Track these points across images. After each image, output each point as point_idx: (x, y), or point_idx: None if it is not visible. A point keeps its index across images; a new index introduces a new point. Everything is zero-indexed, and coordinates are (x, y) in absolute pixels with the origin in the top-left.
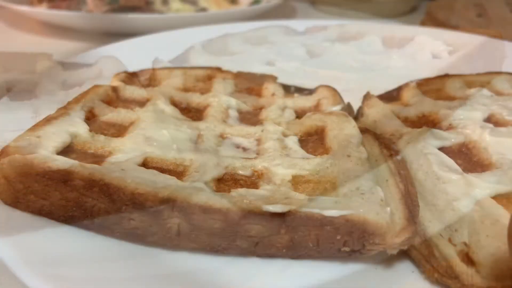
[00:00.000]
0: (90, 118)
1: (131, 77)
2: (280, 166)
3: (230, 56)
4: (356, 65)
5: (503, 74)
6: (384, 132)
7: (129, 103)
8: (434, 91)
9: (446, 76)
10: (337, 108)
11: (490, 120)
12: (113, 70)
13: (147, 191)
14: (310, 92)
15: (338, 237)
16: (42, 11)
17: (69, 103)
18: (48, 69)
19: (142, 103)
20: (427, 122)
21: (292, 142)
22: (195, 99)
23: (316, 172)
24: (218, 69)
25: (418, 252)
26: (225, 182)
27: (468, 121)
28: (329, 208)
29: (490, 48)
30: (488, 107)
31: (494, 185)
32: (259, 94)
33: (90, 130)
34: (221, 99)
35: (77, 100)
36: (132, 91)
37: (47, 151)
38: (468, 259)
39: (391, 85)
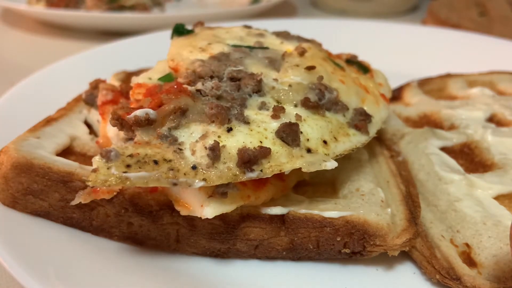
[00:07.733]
0: None
1: (129, 76)
2: None
3: None
4: None
5: (505, 73)
6: (385, 132)
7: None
8: (436, 91)
9: (447, 75)
10: None
11: (492, 120)
12: None
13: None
14: None
15: (338, 239)
16: (40, 10)
17: (68, 104)
18: None
19: None
20: (428, 122)
21: None
22: None
23: (316, 174)
24: None
25: (420, 253)
26: None
27: (470, 121)
28: (329, 209)
29: (491, 47)
30: (490, 106)
31: (496, 185)
32: None
33: (90, 133)
34: None
35: (76, 100)
36: None
37: (46, 152)
38: (470, 260)
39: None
